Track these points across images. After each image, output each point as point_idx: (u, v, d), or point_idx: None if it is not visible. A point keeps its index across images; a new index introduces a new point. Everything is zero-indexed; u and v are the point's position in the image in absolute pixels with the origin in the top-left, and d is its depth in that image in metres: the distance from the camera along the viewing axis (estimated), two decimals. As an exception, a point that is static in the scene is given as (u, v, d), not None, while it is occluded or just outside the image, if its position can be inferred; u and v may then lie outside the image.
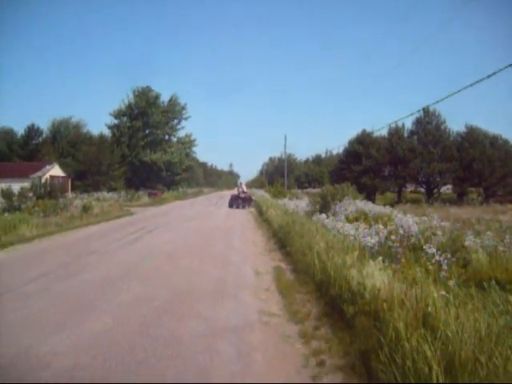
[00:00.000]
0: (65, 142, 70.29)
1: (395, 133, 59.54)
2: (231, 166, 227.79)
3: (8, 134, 79.63)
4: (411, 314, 5.13)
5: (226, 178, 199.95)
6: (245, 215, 31.29)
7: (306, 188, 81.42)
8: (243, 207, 39.45)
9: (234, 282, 10.14)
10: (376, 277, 7.34)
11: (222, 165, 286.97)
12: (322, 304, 7.97)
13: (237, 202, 40.65)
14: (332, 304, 7.59)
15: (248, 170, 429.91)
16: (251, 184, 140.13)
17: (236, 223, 25.11)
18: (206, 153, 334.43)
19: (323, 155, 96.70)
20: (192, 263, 12.33)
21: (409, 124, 63.82)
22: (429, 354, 4.30)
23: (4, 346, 6.09)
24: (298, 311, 7.76)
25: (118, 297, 8.78)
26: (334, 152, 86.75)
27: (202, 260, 12.81)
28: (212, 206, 46.10)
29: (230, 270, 11.45)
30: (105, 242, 16.73)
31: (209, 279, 10.37)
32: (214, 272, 11.16)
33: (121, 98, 77.76)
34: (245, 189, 44.01)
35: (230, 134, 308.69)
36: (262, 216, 27.61)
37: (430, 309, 5.14)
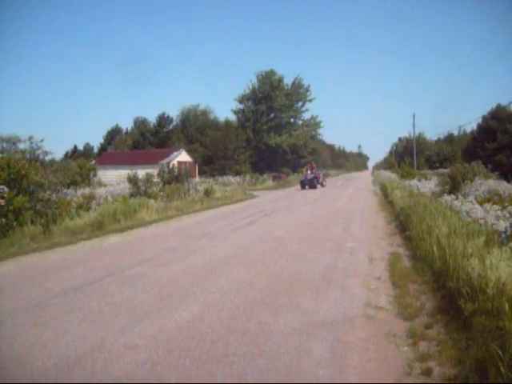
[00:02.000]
0: (193, 128, 72.39)
1: (535, 106, 54.83)
2: (360, 147, 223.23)
3: (142, 123, 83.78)
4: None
5: (353, 160, 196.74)
6: (369, 198, 30.05)
7: (437, 168, 77.56)
8: (311, 187, 42.60)
9: (343, 270, 9.32)
10: (502, 268, 6.25)
11: (350, 147, 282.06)
12: (437, 297, 6.97)
13: (303, 183, 43.33)
14: (449, 298, 6.58)
15: (377, 151, 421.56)
16: (380, 165, 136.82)
17: (358, 206, 24.05)
18: (333, 135, 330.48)
19: (456, 133, 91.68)
20: (302, 248, 11.65)
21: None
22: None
23: (81, 338, 5.78)
24: (410, 305, 6.83)
25: (215, 284, 8.32)
26: (468, 130, 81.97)
27: (313, 245, 12.09)
28: (336, 188, 45.08)
29: (341, 257, 10.63)
30: (218, 226, 16.54)
31: (317, 266, 9.63)
32: (324, 258, 10.41)
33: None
34: (312, 171, 45.27)
35: (359, 115, 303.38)
36: (386, 198, 26.34)
37: None
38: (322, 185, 45.61)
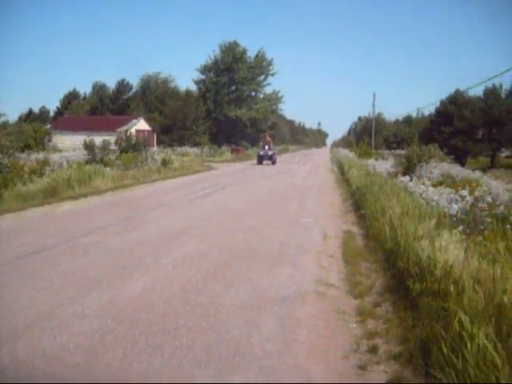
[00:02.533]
0: (153, 96, 71.38)
1: (491, 93, 55.99)
2: (319, 124, 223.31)
3: (101, 88, 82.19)
4: (482, 303, 4.22)
5: (313, 137, 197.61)
6: (326, 175, 30.32)
7: (395, 149, 78.66)
8: (272, 163, 40.18)
9: (297, 246, 9.40)
10: (450, 251, 6.40)
11: (310, 123, 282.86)
12: (387, 277, 7.11)
13: (262, 157, 40.86)
14: (399, 278, 6.71)
15: (337, 129, 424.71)
16: (339, 143, 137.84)
17: (315, 183, 24.27)
18: (294, 110, 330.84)
19: (414, 115, 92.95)
20: (258, 223, 11.71)
21: (508, 84, 59.56)
22: (497, 361, 3.41)
23: (30, 304, 5.69)
24: (360, 283, 6.94)
25: (168, 255, 8.29)
26: (426, 113, 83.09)
27: (269, 220, 12.16)
28: (294, 163, 45.41)
29: (296, 233, 10.73)
30: (175, 197, 16.47)
31: (271, 241, 9.70)
32: (279, 233, 10.49)
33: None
34: (270, 146, 42.10)
35: (321, 92, 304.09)
36: (343, 176, 26.61)
37: (506, 299, 4.19)
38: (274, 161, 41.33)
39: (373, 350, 4.75)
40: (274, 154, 41.25)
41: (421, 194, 12.23)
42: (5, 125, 28.63)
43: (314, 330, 5.22)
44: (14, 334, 4.86)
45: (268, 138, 43.42)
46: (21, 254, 8.14)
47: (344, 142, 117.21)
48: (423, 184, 13.97)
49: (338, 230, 11.24)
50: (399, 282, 6.55)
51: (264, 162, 40.55)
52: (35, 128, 38.63)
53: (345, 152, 62.91)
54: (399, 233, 7.80)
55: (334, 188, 21.45)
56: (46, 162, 20.42)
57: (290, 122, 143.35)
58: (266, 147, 41.53)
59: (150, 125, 56.01)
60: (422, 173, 18.60)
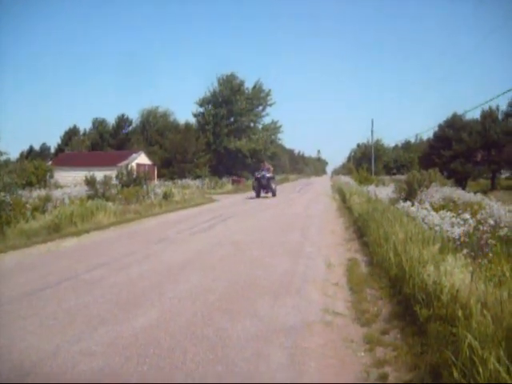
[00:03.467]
0: (153, 130, 71.98)
1: (489, 115, 56.35)
2: (319, 152, 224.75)
3: (101, 124, 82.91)
4: (491, 327, 4.19)
5: (313, 165, 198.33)
6: (327, 203, 30.28)
7: (395, 174, 78.88)
8: (269, 192, 35.53)
9: (301, 276, 9.36)
10: (456, 275, 6.38)
11: (309, 151, 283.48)
12: (394, 303, 7.08)
13: (260, 185, 35.01)
14: (405, 304, 6.68)
15: (336, 156, 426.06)
16: (339, 171, 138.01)
17: (316, 211, 24.21)
18: (293, 139, 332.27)
19: (413, 140, 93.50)
20: (261, 254, 11.66)
21: (504, 106, 59.94)
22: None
23: (36, 345, 5.66)
24: (367, 311, 6.92)
25: (173, 289, 8.26)
26: (425, 137, 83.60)
27: (271, 251, 12.12)
28: (295, 193, 45.39)
29: (300, 262, 10.68)
30: (177, 230, 16.43)
31: (275, 272, 9.66)
32: (282, 264, 10.44)
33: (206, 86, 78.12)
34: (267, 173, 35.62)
35: (319, 121, 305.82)
36: (344, 203, 26.59)
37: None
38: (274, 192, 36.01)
39: (383, 378, 4.71)
40: (272, 178, 35.89)
41: (423, 219, 12.22)
42: (6, 163, 28.74)
43: (323, 360, 5.18)
44: (21, 374, 4.83)
45: (267, 165, 37.11)
46: (25, 292, 8.14)
47: (344, 169, 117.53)
48: (425, 209, 13.97)
49: (342, 257, 11.21)
50: (406, 308, 6.52)
51: (262, 193, 35.62)
52: (36, 165, 38.75)
53: (345, 179, 62.99)
54: (404, 259, 7.78)
55: (335, 216, 21.42)
56: (47, 199, 20.51)
57: (290, 151, 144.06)
58: (263, 172, 35.06)
59: (150, 158, 56.29)
60: (423, 197, 18.60)
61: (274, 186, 35.82)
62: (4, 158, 28.35)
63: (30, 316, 6.85)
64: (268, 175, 35.14)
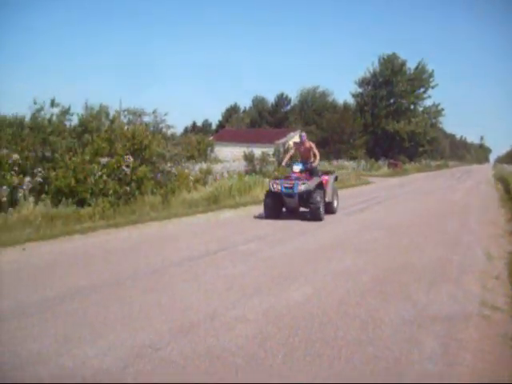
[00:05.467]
0: (311, 110, 72.43)
1: None
2: (482, 139, 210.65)
3: (260, 102, 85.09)
4: None
5: (475, 152, 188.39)
6: (489, 193, 28.63)
7: None
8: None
9: (458, 265, 8.97)
10: None
11: (472, 138, 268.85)
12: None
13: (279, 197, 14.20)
14: None
15: (501, 143, 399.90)
16: (503, 159, 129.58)
17: (476, 200, 23.01)
18: (454, 124, 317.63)
19: None
20: (415, 239, 11.37)
21: None
22: None
23: (195, 306, 6.04)
24: (529, 307, 6.50)
25: (326, 267, 8.37)
26: None
27: (426, 237, 11.75)
28: (454, 180, 43.45)
29: (456, 251, 10.23)
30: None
31: (430, 258, 9.36)
32: (437, 251, 10.08)
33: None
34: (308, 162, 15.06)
35: (484, 104, 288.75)
36: (508, 194, 24.94)
37: None
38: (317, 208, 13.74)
39: (544, 380, 4.42)
40: (318, 186, 14.29)
41: None
42: (173, 136, 30.62)
43: (479, 354, 4.96)
44: (181, 331, 5.19)
45: (307, 144, 15.29)
46: (187, 257, 8.71)
47: (509, 158, 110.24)
48: None
49: (503, 250, 10.56)
50: None
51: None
52: (199, 139, 40.86)
53: (510, 168, 59.13)
54: None
55: (497, 207, 20.16)
56: (208, 172, 21.56)
57: (450, 136, 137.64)
58: (299, 167, 14.56)
59: (307, 138, 56.77)
60: None
61: (330, 194, 15.11)
62: (171, 131, 30.34)
63: (190, 279, 7.32)
64: (304, 186, 13.82)
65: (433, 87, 69.97)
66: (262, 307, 6.08)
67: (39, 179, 13.28)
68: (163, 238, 11.10)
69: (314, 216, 13.71)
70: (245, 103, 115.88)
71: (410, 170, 55.57)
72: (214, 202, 16.65)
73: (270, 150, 31.85)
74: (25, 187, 12.58)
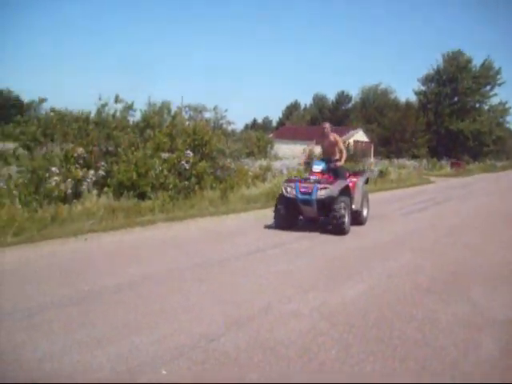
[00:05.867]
0: (372, 108, 71.67)
1: None
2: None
3: (321, 100, 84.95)
4: None
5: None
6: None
7: None
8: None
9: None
10: None
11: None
12: None
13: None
14: None
15: None
16: None
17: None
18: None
19: None
20: (477, 241, 11.01)
21: None
22: None
23: (248, 299, 6.10)
24: None
25: (382, 265, 8.29)
26: None
27: (489, 238, 11.41)
28: (521, 181, 42.00)
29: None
30: (389, 209, 16.34)
31: (491, 261, 9.03)
32: (500, 254, 9.78)
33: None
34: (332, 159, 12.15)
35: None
36: None
37: None
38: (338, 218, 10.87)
39: None
40: (343, 191, 11.42)
41: None
42: (233, 132, 30.94)
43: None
44: (236, 323, 5.25)
45: (331, 137, 12.31)
46: (244, 252, 8.82)
47: None
48: None
49: None
50: None
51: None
52: (259, 136, 41.09)
53: None
54: None
55: None
56: (268, 169, 21.65)
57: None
58: (320, 166, 11.77)
59: (368, 136, 56.28)
60: None
61: (358, 200, 12.24)
62: (231, 127, 30.67)
63: (246, 274, 7.39)
64: (324, 191, 11.09)
65: (500, 85, 67.98)
66: (317, 303, 6.07)
67: (102, 173, 13.65)
68: (221, 232, 11.21)
69: (336, 229, 10.92)
70: (305, 100, 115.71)
71: (473, 171, 54.03)
72: (272, 199, 16.65)
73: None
74: (88, 180, 12.96)
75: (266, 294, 6.36)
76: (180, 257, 8.43)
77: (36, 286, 6.45)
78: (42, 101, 19.79)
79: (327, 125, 12.59)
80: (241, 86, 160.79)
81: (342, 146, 12.32)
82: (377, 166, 32.01)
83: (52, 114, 16.63)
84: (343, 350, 4.65)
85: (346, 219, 10.94)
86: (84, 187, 12.73)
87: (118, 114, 16.48)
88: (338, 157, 12.10)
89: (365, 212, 12.70)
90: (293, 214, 11.67)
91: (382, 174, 28.78)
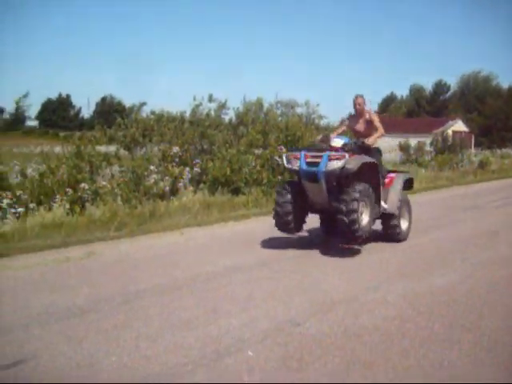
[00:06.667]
0: (472, 96, 69.05)
1: None
2: None
3: (418, 91, 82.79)
4: None
5: None
6: None
7: None
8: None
9: None
10: None
11: None
12: None
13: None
14: None
15: None
16: None
17: None
18: None
19: None
20: None
21: None
22: None
23: (335, 287, 6.20)
24: None
25: (477, 256, 8.17)
26: None
27: None
28: None
29: None
30: (487, 200, 15.73)
31: None
32: None
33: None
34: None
35: None
36: None
37: None
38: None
39: None
40: (366, 171, 7.98)
41: None
42: (326, 127, 30.96)
43: None
44: (321, 310, 5.40)
45: (366, 114, 9.01)
46: (331, 245, 8.89)
47: None
48: None
49: None
50: None
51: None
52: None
53: None
54: None
55: None
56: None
57: None
58: (343, 141, 8.07)
59: (467, 126, 54.24)
60: None
61: (393, 201, 8.74)
62: (324, 121, 30.63)
63: (334, 264, 7.48)
64: (338, 165, 7.59)
65: None
66: (404, 291, 6.10)
67: (198, 170, 14.14)
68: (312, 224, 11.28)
69: (343, 226, 7.55)
70: (402, 92, 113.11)
71: None
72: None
73: (428, 140, 30.93)
74: (185, 177, 13.48)
75: (353, 282, 6.54)
76: (270, 248, 8.60)
77: (134, 274, 6.93)
78: (143, 104, 20.77)
79: (361, 100, 8.96)
80: (335, 79, 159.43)
81: (378, 123, 8.84)
82: (477, 157, 30.85)
83: (152, 116, 17.43)
84: (428, 338, 4.65)
85: (361, 217, 7.61)
86: (180, 184, 13.25)
87: (212, 112, 16.99)
88: (374, 138, 8.61)
89: (404, 225, 9.22)
90: (298, 209, 8.33)
91: (483, 164, 27.72)
